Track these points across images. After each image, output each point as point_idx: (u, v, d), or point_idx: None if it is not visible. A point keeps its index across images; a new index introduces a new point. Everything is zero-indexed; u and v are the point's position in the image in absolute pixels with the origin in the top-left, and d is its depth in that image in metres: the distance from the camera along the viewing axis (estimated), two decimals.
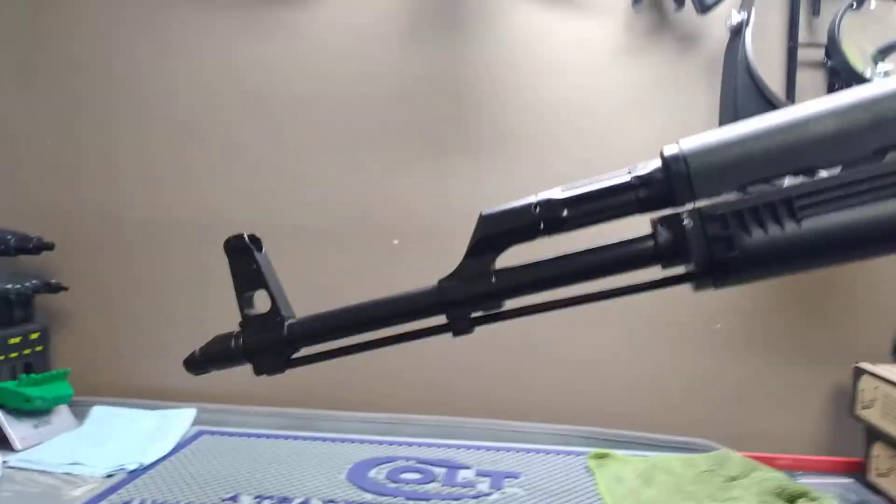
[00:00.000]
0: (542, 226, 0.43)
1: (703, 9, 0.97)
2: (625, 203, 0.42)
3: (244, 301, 0.47)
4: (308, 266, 1.07)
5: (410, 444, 0.96)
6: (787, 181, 0.40)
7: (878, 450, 0.90)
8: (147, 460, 0.88)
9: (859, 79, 0.88)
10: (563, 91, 1.04)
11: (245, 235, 0.47)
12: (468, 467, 0.90)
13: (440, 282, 0.45)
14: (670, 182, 0.41)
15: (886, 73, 0.88)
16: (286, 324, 0.47)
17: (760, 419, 1.04)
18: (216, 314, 1.04)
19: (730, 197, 0.40)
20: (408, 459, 0.92)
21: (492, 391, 1.06)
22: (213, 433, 0.99)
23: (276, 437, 0.98)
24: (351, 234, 1.07)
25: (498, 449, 0.96)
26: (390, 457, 0.92)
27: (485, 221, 0.44)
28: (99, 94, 1.10)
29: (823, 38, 0.99)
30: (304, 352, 0.48)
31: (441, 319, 0.45)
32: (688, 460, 0.89)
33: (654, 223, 0.42)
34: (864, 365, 0.93)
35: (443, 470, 0.89)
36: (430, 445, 0.96)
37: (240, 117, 1.08)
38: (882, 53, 0.85)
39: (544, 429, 0.99)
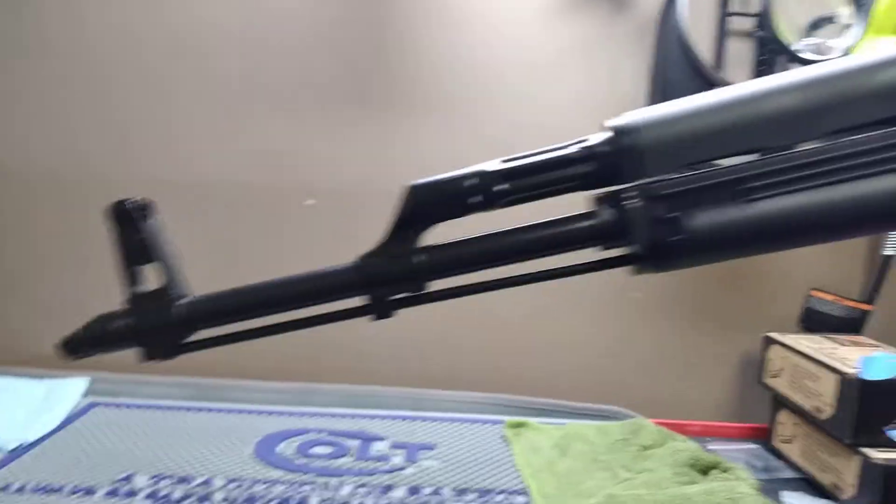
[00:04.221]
0: (477, 200, 0.38)
1: None
2: (569, 177, 0.38)
3: (131, 276, 0.41)
4: (217, 225, 1.00)
5: (322, 415, 0.92)
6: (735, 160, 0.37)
7: (783, 417, 0.93)
8: (30, 437, 0.80)
9: (788, 51, 0.87)
10: (496, 49, 1.00)
11: (128, 201, 0.41)
12: (383, 439, 0.87)
13: (361, 258, 0.40)
14: (620, 156, 0.37)
15: (813, 46, 0.88)
16: (181, 303, 0.41)
17: (673, 386, 1.06)
18: (107, 279, 0.97)
19: (676, 175, 0.37)
20: (319, 431, 0.87)
21: (407, 359, 1.03)
22: (106, 405, 0.92)
23: (178, 408, 0.92)
24: (263, 191, 1.00)
25: (414, 418, 0.93)
26: (301, 429, 0.88)
27: (413, 193, 0.39)
28: None
29: (754, 8, 0.99)
30: (202, 334, 0.43)
31: (360, 300, 0.41)
32: (602, 429, 0.89)
33: (596, 200, 0.39)
34: (774, 335, 0.95)
35: (356, 442, 0.85)
36: (343, 416, 0.92)
37: (150, 61, 0.98)
38: (813, 27, 0.84)
39: (460, 397, 0.97)
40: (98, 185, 0.99)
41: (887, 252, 0.98)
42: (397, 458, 0.81)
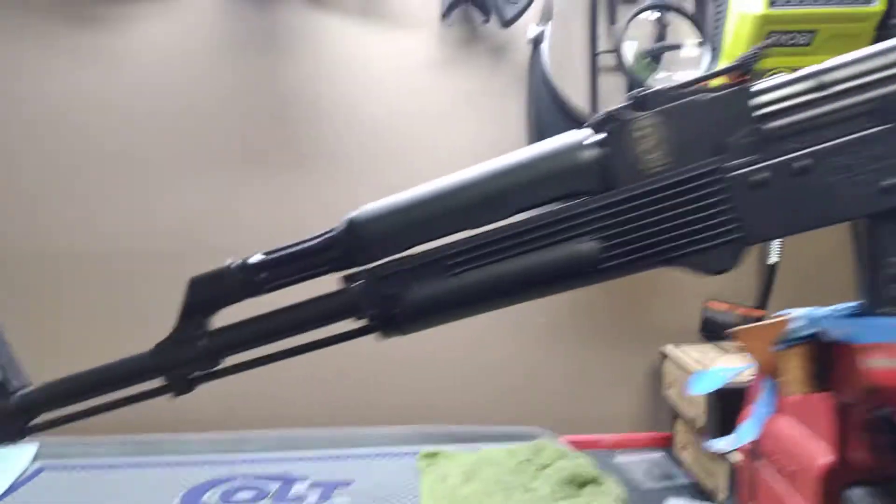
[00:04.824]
0: (244, 288, 0.46)
1: (505, 23, 1.02)
2: (320, 262, 0.46)
3: None
4: (127, 290, 1.08)
5: (252, 461, 0.99)
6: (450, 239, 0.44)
7: (679, 426, 0.98)
8: None
9: (640, 83, 0.94)
10: (380, 104, 1.07)
11: None
12: (304, 479, 0.93)
13: (157, 345, 0.47)
14: (353, 244, 0.44)
15: (665, 79, 0.95)
16: (16, 395, 0.49)
17: (588, 403, 1.12)
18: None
19: (399, 256, 0.44)
20: (245, 477, 0.94)
21: (331, 398, 1.10)
22: (53, 468, 0.99)
23: (118, 466, 0.99)
24: (172, 255, 1.08)
25: (337, 457, 1.00)
26: (228, 476, 0.94)
27: (192, 286, 0.46)
28: None
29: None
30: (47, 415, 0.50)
31: (162, 380, 0.48)
32: (511, 451, 0.95)
33: (343, 280, 0.46)
34: (667, 349, 1.01)
35: (277, 485, 0.92)
36: (269, 461, 0.99)
37: (38, 136, 1.07)
38: (644, 56, 0.91)
39: (381, 431, 1.03)
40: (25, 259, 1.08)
41: (772, 261, 1.04)
42: (313, 497, 0.88)
